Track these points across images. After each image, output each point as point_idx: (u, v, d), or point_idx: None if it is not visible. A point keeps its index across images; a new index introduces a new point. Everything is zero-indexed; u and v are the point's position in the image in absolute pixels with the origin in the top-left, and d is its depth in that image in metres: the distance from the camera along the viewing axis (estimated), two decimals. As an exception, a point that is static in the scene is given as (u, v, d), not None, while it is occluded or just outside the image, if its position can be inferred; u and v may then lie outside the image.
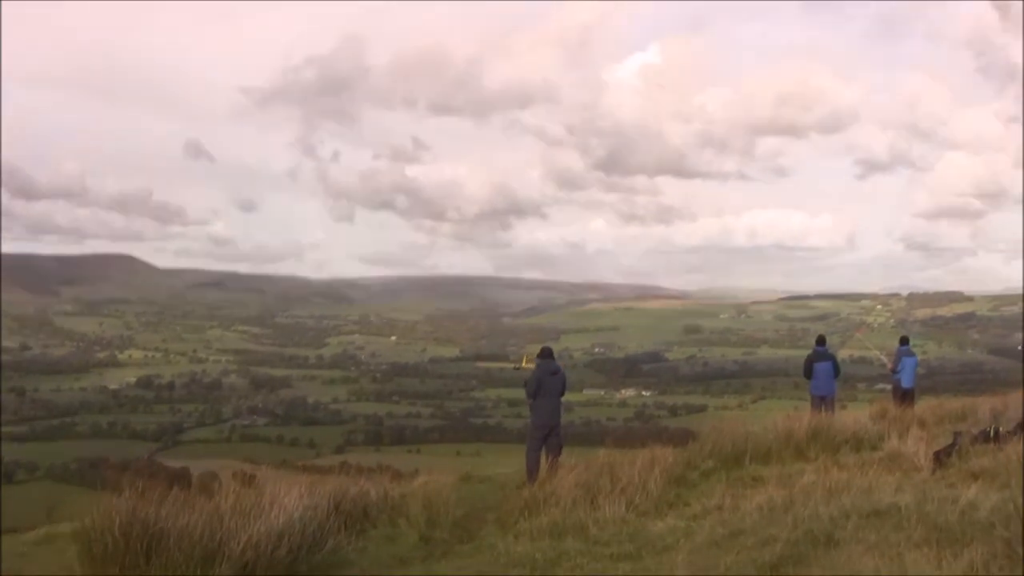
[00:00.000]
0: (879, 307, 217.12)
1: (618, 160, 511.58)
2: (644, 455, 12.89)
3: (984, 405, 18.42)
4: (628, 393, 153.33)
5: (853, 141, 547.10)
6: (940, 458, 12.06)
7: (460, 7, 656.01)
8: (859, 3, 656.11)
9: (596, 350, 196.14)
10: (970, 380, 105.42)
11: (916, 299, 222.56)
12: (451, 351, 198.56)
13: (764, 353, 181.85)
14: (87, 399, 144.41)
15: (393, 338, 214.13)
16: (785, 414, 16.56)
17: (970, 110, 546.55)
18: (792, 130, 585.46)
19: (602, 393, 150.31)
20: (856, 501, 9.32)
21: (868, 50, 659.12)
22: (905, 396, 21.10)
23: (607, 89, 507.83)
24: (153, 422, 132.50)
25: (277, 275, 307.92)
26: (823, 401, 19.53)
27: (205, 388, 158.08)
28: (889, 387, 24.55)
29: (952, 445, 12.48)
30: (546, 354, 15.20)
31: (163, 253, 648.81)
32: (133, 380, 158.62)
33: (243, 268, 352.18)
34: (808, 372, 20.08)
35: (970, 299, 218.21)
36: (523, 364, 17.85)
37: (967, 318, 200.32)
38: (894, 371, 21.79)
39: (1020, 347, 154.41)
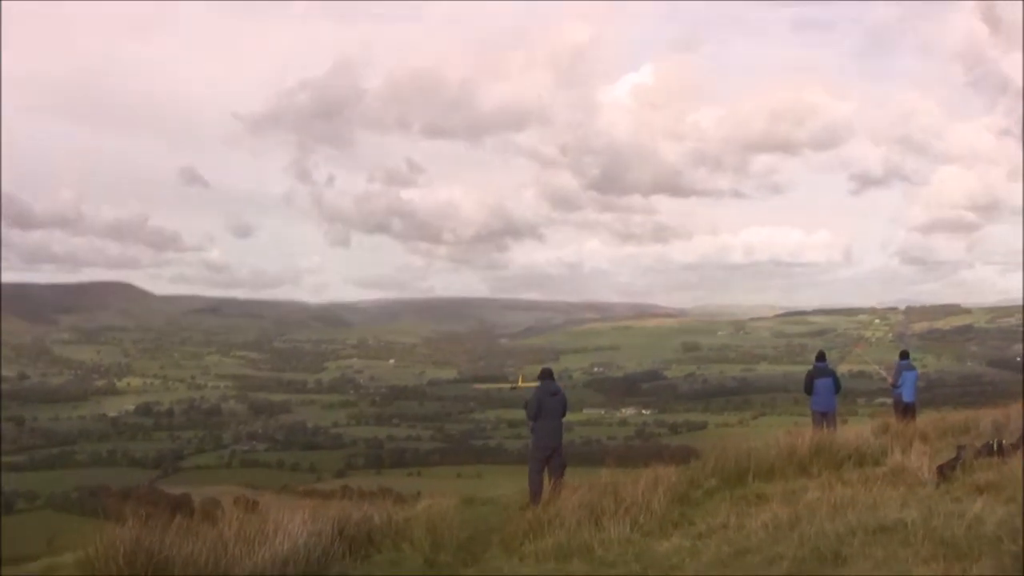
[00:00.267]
0: (877, 321, 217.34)
1: (613, 180, 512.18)
2: (647, 474, 12.85)
3: (986, 418, 18.39)
4: (628, 412, 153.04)
5: (847, 156, 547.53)
6: (944, 472, 12.01)
7: (453, 30, 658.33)
8: (849, 20, 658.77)
9: (595, 369, 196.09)
10: (969, 392, 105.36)
11: (914, 312, 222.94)
12: (450, 373, 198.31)
13: (763, 369, 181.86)
14: (86, 427, 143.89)
15: (391, 361, 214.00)
16: (786, 430, 16.54)
17: (963, 123, 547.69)
18: (786, 146, 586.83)
19: (602, 412, 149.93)
20: (862, 517, 9.30)
21: (859, 66, 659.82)
22: (907, 410, 21.09)
23: (600, 109, 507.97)
24: (153, 449, 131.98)
25: (274, 300, 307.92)
26: (824, 417, 19.49)
27: (204, 414, 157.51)
28: (890, 401, 24.55)
29: (956, 459, 12.44)
30: (546, 375, 15.16)
31: (159, 280, 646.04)
32: (132, 407, 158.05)
33: (240, 293, 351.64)
34: (809, 388, 20.05)
35: (968, 311, 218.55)
36: (519, 383, 17.86)
37: (965, 330, 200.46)
38: (895, 385, 21.79)
39: (1019, 358, 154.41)
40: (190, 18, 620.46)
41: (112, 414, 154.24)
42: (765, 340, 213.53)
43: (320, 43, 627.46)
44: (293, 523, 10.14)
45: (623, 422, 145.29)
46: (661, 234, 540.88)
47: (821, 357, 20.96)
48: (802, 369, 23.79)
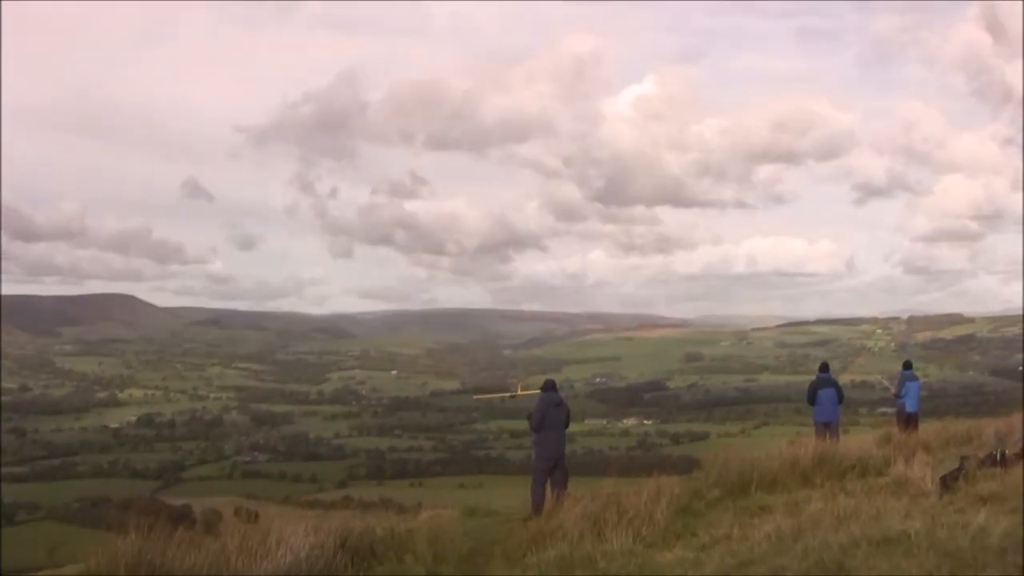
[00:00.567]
0: (879, 331, 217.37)
1: (616, 191, 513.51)
2: (650, 485, 12.78)
3: (988, 427, 18.31)
4: (630, 422, 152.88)
5: (850, 166, 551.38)
6: (947, 483, 11.96)
7: (456, 42, 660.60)
8: (852, 30, 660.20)
9: (597, 380, 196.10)
10: (971, 402, 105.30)
11: (916, 322, 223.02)
12: (452, 384, 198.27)
13: (765, 380, 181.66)
14: (88, 439, 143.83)
15: (394, 372, 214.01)
16: (789, 441, 16.50)
17: (965, 133, 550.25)
18: (789, 157, 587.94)
19: (604, 423, 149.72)
20: (865, 528, 9.24)
21: (862, 76, 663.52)
22: (909, 420, 21.04)
23: (604, 121, 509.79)
24: (154, 460, 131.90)
25: (277, 312, 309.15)
26: (827, 427, 19.43)
27: (206, 425, 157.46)
28: (892, 411, 24.50)
29: (959, 469, 12.39)
30: (549, 386, 15.11)
31: (162, 292, 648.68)
32: (134, 419, 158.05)
33: (243, 305, 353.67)
34: (812, 398, 19.99)
35: (970, 321, 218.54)
36: (518, 392, 17.81)
37: (967, 340, 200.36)
38: (898, 395, 21.75)
39: (1021, 368, 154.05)
40: (193, 31, 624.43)
41: (114, 425, 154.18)
42: (768, 350, 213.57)
43: (323, 55, 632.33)
44: (295, 534, 10.10)
45: (625, 432, 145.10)
46: (664, 245, 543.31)
47: (824, 368, 20.90)
48: (805, 379, 23.75)
